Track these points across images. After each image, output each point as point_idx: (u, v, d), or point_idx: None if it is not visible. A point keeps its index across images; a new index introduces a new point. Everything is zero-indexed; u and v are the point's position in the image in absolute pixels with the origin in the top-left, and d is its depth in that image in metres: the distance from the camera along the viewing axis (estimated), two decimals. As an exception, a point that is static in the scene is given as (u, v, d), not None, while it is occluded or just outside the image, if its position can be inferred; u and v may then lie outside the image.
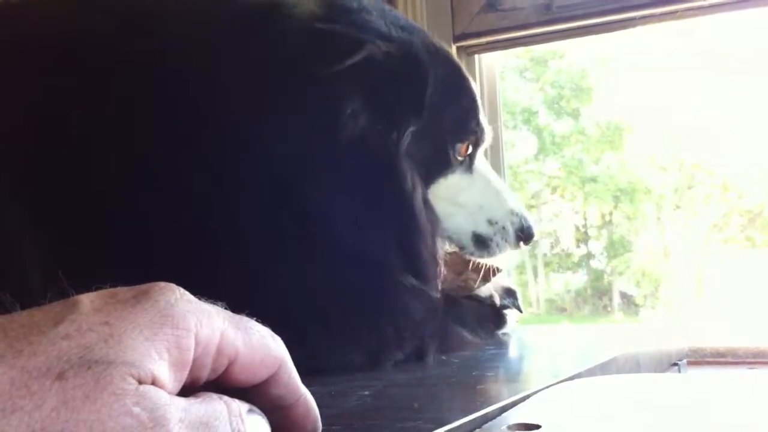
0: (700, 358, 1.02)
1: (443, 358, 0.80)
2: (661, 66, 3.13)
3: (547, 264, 3.80)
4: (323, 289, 0.71)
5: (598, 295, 3.76)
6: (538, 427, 0.48)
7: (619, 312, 3.60)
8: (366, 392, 0.61)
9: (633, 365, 0.79)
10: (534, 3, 1.23)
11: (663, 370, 0.89)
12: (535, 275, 3.71)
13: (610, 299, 3.73)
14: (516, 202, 0.89)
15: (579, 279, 3.85)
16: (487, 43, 1.31)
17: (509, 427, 0.48)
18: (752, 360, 1.05)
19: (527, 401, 0.55)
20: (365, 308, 0.74)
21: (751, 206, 3.32)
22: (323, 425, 0.53)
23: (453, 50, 1.30)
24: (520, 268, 3.64)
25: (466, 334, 0.86)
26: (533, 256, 3.69)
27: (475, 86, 0.89)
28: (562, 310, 3.75)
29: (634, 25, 1.20)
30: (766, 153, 2.99)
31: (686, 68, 3.06)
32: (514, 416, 0.51)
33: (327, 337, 0.72)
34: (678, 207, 3.51)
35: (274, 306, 0.69)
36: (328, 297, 0.72)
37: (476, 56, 1.34)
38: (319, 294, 0.71)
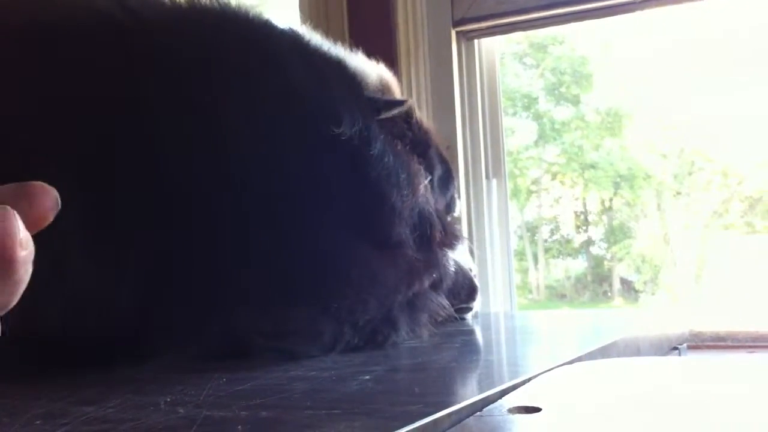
0: (700, 342, 1.02)
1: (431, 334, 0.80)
2: (662, 52, 3.12)
3: (547, 250, 3.80)
4: (289, 260, 0.72)
5: (598, 281, 3.76)
6: (538, 409, 0.48)
7: (619, 298, 3.59)
8: (367, 377, 0.62)
9: (633, 349, 0.80)
10: (534, -13, 1.23)
11: (663, 355, 0.89)
12: (536, 261, 3.70)
13: (610, 285, 3.73)
14: None
15: (579, 265, 3.85)
16: (487, 28, 1.30)
17: (510, 410, 0.49)
18: (752, 344, 1.05)
19: (528, 384, 0.55)
20: (331, 278, 0.74)
21: (751, 192, 3.31)
22: (325, 409, 0.53)
23: (452, 35, 1.30)
24: (521, 255, 3.64)
25: (443, 302, 0.87)
26: (533, 242, 3.68)
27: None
28: (563, 296, 3.75)
29: (634, 10, 1.19)
30: (766, 139, 2.98)
31: (688, 54, 3.05)
32: (514, 399, 0.52)
33: (294, 308, 0.72)
34: (678, 193, 3.51)
35: (242, 279, 0.70)
36: (294, 267, 0.72)
37: (476, 41, 1.33)
38: (285, 265, 0.72)
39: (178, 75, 0.73)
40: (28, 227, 0.33)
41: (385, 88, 0.93)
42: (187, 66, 0.73)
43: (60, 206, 0.36)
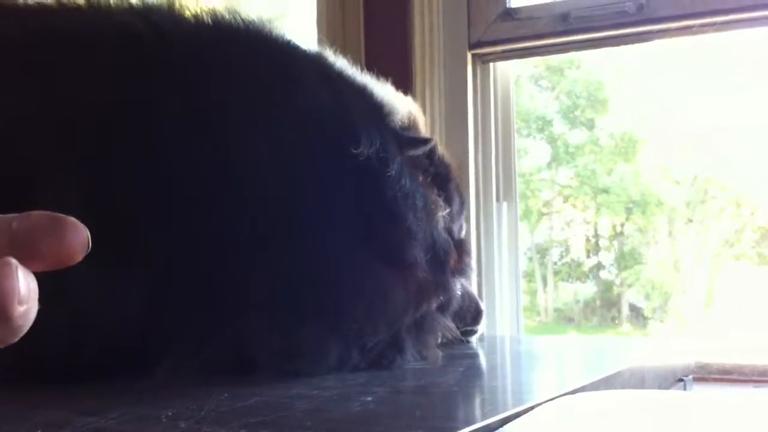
0: (706, 375, 1.02)
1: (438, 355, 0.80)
2: (678, 78, 3.11)
3: (556, 273, 3.79)
4: (301, 278, 0.72)
5: (607, 306, 3.74)
6: (539, 440, 0.48)
7: (627, 324, 3.57)
8: (369, 398, 0.62)
9: (638, 380, 0.79)
10: (551, 13, 1.23)
11: (668, 386, 0.88)
12: (545, 284, 3.69)
13: (619, 311, 3.71)
14: None
15: (588, 289, 3.83)
16: (503, 51, 1.31)
17: (510, 440, 0.48)
18: (759, 378, 1.05)
19: (529, 414, 0.55)
20: (343, 298, 0.74)
21: (764, 222, 3.29)
22: (324, 430, 0.53)
23: (468, 57, 1.31)
24: (530, 276, 3.63)
25: (450, 324, 0.87)
26: (543, 264, 3.67)
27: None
28: (570, 319, 3.73)
29: (650, 39, 1.20)
30: (780, 169, 2.97)
31: (704, 81, 3.04)
32: (515, 429, 0.51)
33: (303, 327, 0.72)
34: (690, 221, 3.49)
35: (251, 295, 0.70)
36: (305, 285, 0.72)
37: (491, 64, 1.34)
38: (296, 282, 0.72)
39: (195, 91, 0.73)
40: (52, 263, 0.34)
41: (412, 124, 0.93)
42: (205, 83, 0.74)
43: (90, 248, 0.36)
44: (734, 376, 1.03)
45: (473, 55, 1.30)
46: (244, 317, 0.73)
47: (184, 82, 0.73)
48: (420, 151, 0.89)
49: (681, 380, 0.92)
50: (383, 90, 0.91)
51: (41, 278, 0.70)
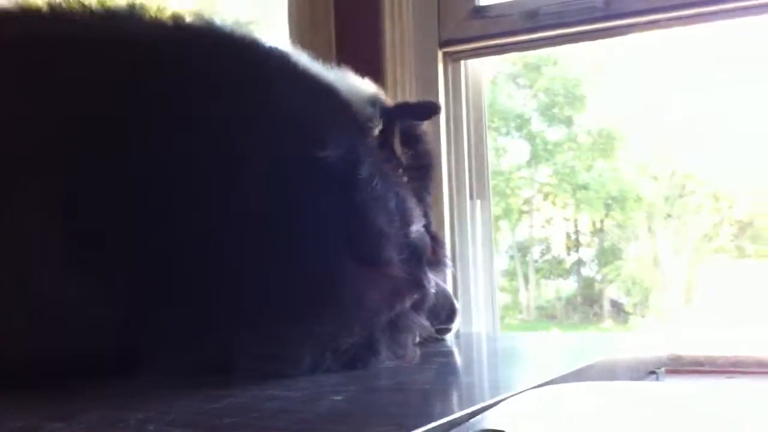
0: (679, 367, 1.03)
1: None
2: (654, 74, 3.13)
3: (537, 270, 3.80)
4: (275, 281, 0.72)
5: (588, 302, 3.76)
6: (503, 433, 0.48)
7: (609, 320, 3.59)
8: (339, 397, 0.62)
9: (609, 373, 0.80)
10: (521, 10, 1.24)
11: (640, 379, 0.89)
12: (526, 282, 3.70)
13: (601, 307, 3.73)
14: None
15: (570, 286, 3.85)
16: (474, 49, 1.31)
17: (475, 433, 0.49)
18: (731, 369, 1.06)
19: (495, 408, 0.55)
20: (315, 301, 0.74)
21: (742, 216, 3.32)
22: (294, 430, 0.53)
23: (439, 56, 1.31)
24: (511, 275, 3.64)
25: (424, 323, 0.87)
26: (524, 262, 3.69)
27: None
28: (553, 317, 3.75)
29: (620, 34, 1.20)
30: (757, 163, 3.00)
31: (680, 76, 3.07)
32: (482, 422, 0.52)
33: (279, 330, 0.72)
34: (669, 216, 3.51)
35: (227, 303, 0.70)
36: (280, 288, 0.72)
37: (462, 62, 1.34)
38: (272, 285, 0.72)
39: (160, 91, 0.73)
40: None
41: (378, 104, 0.93)
42: (169, 83, 0.74)
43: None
44: (707, 368, 1.04)
45: (444, 54, 1.31)
46: (218, 321, 0.73)
47: (148, 86, 0.73)
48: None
49: (653, 372, 0.93)
50: (346, 79, 0.91)
51: (17, 283, 0.70)
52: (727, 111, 2.93)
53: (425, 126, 1.01)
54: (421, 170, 0.94)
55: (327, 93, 0.85)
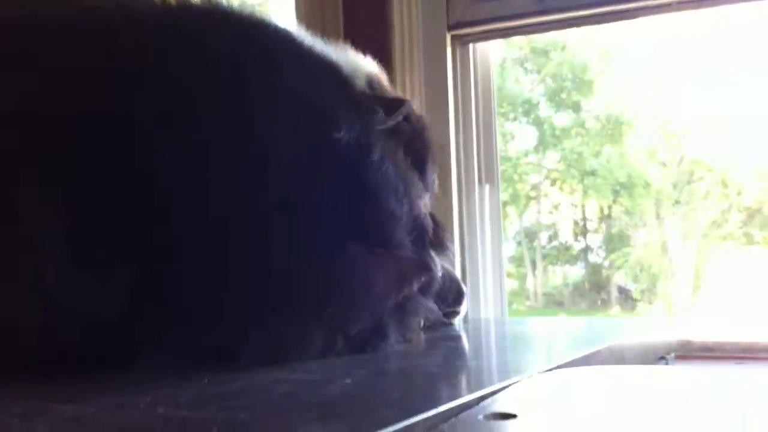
0: (688, 353, 1.02)
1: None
2: (663, 59, 3.12)
3: (545, 257, 3.81)
4: (284, 268, 0.71)
5: (596, 289, 3.76)
6: (513, 416, 0.48)
7: (616, 306, 3.60)
8: (348, 380, 0.61)
9: (618, 358, 0.79)
10: (529, -8, 1.23)
11: (649, 364, 0.89)
12: (534, 268, 3.71)
13: (608, 293, 3.73)
14: None
15: (577, 272, 3.85)
16: (482, 32, 1.30)
17: (485, 417, 0.48)
18: (740, 355, 1.05)
19: (505, 391, 0.55)
20: (327, 286, 0.74)
21: (750, 203, 3.31)
22: (302, 412, 0.53)
23: (447, 39, 1.30)
24: (518, 261, 3.65)
25: (432, 306, 0.86)
26: (531, 249, 3.69)
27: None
28: (560, 303, 3.75)
29: (630, 17, 1.19)
30: (765, 149, 2.99)
31: (689, 62, 3.05)
32: (491, 406, 0.51)
33: (288, 317, 0.72)
34: (677, 202, 3.51)
35: (235, 290, 0.70)
36: (289, 275, 0.72)
37: (470, 45, 1.33)
38: (280, 272, 0.71)
39: (165, 74, 0.72)
40: None
41: (377, 86, 0.92)
42: (175, 65, 0.73)
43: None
44: (716, 354, 1.03)
45: (452, 37, 1.30)
46: (228, 308, 0.72)
47: (152, 72, 0.72)
48: (399, 116, 0.87)
49: (663, 358, 0.92)
50: (346, 57, 0.89)
51: (23, 272, 0.70)
52: (737, 97, 2.92)
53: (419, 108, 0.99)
54: (419, 152, 0.93)
55: (335, 74, 0.84)
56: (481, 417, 0.48)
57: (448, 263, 0.94)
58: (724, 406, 0.52)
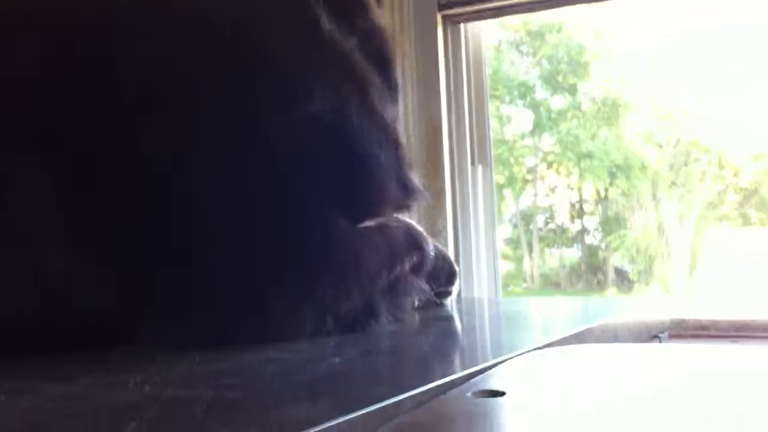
0: (682, 331, 1.02)
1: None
2: (658, 41, 3.11)
3: (542, 239, 3.81)
4: (271, 247, 0.71)
5: (592, 270, 3.77)
6: (502, 393, 0.48)
7: (612, 288, 3.60)
8: (337, 360, 0.62)
9: (610, 336, 0.79)
10: (520, -29, 1.22)
11: (643, 342, 0.89)
12: (530, 250, 3.71)
13: (605, 275, 3.74)
14: None
15: (574, 254, 3.85)
16: (473, 12, 1.30)
17: (474, 394, 0.48)
18: (735, 333, 1.05)
19: (495, 369, 0.55)
20: (314, 265, 0.73)
21: (746, 184, 3.31)
22: (291, 391, 0.53)
23: (438, 19, 1.29)
24: (515, 243, 3.65)
25: (424, 286, 0.86)
26: (528, 231, 3.69)
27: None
28: (557, 285, 3.76)
29: (621, -5, 1.18)
30: (761, 131, 2.98)
31: (684, 44, 3.04)
32: (480, 383, 0.51)
33: (278, 296, 0.72)
34: (673, 184, 3.50)
35: (224, 270, 0.69)
36: (278, 254, 0.71)
37: (462, 25, 1.33)
38: (267, 251, 0.71)
39: (130, 55, 0.71)
40: None
41: None
42: (146, 35, 0.72)
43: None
44: (711, 332, 1.03)
45: (443, 17, 1.29)
46: (216, 289, 0.72)
47: (110, 47, 0.70)
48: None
49: (656, 336, 0.92)
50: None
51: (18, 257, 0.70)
52: (733, 79, 2.91)
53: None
54: (377, 50, 0.87)
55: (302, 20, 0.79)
56: (469, 394, 0.48)
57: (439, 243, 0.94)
58: (716, 384, 0.52)
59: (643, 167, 3.46)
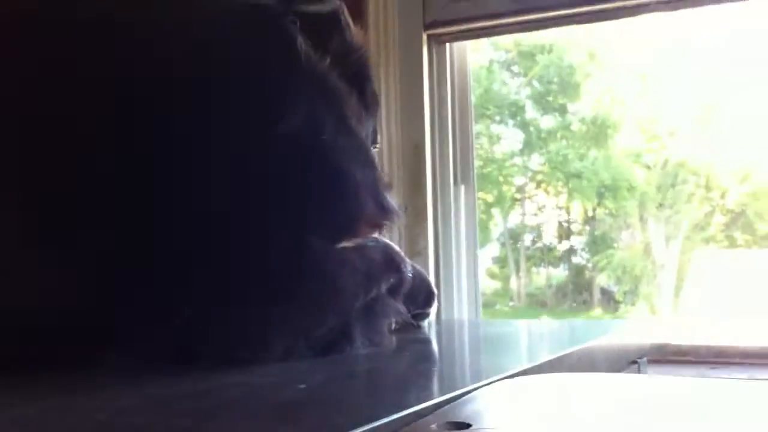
0: (661, 357, 1.01)
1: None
2: (647, 62, 3.12)
3: (529, 258, 3.81)
4: (241, 265, 0.69)
5: (578, 290, 3.77)
6: (467, 426, 0.46)
7: (598, 308, 3.60)
8: (303, 385, 0.60)
9: (587, 363, 0.78)
10: (506, -9, 1.22)
11: (621, 368, 0.87)
12: (517, 269, 3.71)
13: (591, 295, 3.74)
14: None
15: (560, 274, 3.86)
16: (459, 31, 1.29)
17: (439, 426, 0.47)
18: (714, 360, 1.04)
19: (463, 399, 0.53)
20: (287, 286, 0.72)
21: (733, 206, 3.33)
22: (247, 419, 0.51)
23: (423, 38, 1.29)
24: (502, 262, 3.64)
25: (401, 308, 0.84)
26: (515, 250, 3.68)
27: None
28: (543, 304, 3.76)
29: (605, 18, 1.18)
30: (749, 152, 3.00)
31: (673, 65, 3.05)
32: (448, 413, 0.50)
33: (246, 318, 0.70)
34: (661, 205, 3.51)
35: (194, 288, 0.67)
36: (247, 273, 0.70)
37: (447, 45, 1.32)
38: (237, 270, 0.69)
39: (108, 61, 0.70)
40: None
41: None
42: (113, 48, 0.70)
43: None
44: (690, 358, 1.02)
45: (428, 36, 1.28)
46: (187, 307, 0.70)
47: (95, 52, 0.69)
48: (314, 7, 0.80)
49: (635, 362, 0.91)
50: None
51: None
52: (722, 99, 2.92)
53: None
54: (355, 69, 0.85)
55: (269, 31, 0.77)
56: (434, 426, 0.46)
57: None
58: (686, 416, 0.51)
59: (631, 188, 3.46)
